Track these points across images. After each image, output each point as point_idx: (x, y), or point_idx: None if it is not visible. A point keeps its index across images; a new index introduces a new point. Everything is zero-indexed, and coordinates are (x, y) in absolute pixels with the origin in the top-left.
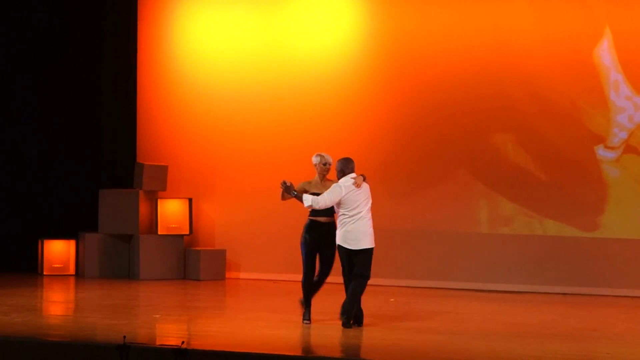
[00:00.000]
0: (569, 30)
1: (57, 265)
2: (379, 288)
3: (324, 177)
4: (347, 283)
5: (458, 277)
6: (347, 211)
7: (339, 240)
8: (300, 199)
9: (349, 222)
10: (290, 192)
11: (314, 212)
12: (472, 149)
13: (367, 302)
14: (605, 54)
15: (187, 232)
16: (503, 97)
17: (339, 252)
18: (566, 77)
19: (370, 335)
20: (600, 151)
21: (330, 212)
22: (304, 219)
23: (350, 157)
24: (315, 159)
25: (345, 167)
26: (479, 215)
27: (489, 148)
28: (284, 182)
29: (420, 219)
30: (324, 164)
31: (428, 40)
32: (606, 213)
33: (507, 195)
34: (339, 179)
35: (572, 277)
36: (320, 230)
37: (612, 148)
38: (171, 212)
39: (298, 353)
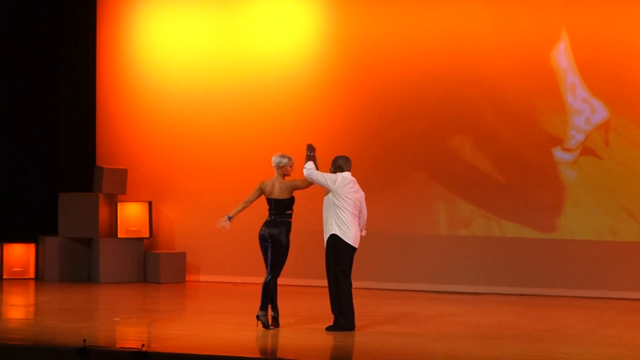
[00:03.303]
0: (525, 33)
1: (17, 269)
2: None
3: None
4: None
5: (417, 279)
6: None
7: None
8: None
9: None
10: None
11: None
12: (430, 151)
13: (325, 304)
14: (562, 56)
15: (147, 235)
16: (460, 99)
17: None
18: (523, 79)
19: (330, 337)
20: (558, 153)
21: None
22: (263, 221)
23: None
24: (284, 160)
25: (345, 164)
26: (438, 217)
27: (447, 150)
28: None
29: (378, 222)
30: (291, 166)
31: (385, 43)
32: (563, 214)
33: (466, 197)
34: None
35: (530, 278)
36: None
37: (569, 150)
38: (131, 215)
39: (258, 355)
